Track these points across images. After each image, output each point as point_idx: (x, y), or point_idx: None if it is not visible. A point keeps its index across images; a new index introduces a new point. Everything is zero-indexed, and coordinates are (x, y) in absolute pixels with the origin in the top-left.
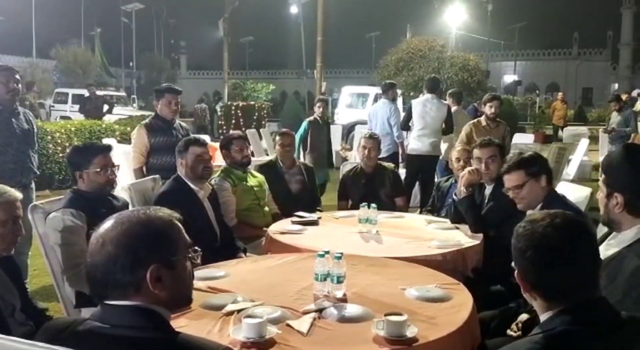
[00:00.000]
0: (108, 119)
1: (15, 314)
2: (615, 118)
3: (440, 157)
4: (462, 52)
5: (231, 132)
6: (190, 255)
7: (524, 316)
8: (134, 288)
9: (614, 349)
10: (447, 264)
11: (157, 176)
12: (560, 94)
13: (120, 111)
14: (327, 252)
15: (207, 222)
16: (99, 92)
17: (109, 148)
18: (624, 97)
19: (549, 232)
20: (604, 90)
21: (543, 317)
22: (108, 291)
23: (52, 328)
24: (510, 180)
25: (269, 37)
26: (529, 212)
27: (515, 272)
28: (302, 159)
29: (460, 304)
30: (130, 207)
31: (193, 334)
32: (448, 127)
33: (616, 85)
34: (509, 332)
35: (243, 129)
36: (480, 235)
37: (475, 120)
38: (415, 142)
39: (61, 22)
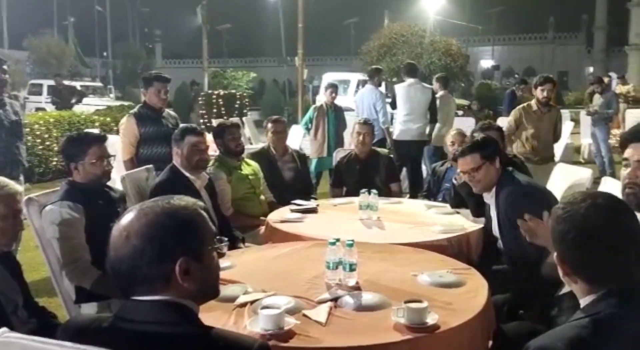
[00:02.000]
0: (86, 109)
1: (18, 312)
2: (597, 100)
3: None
4: (445, 37)
5: (225, 119)
6: (216, 246)
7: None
8: (162, 282)
9: None
10: (452, 248)
11: (151, 166)
12: (536, 78)
13: (97, 101)
14: (338, 240)
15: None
16: (75, 83)
17: (104, 138)
18: (605, 80)
19: (592, 213)
20: (579, 74)
21: (584, 301)
22: (135, 286)
23: (75, 326)
24: (465, 163)
25: (247, 24)
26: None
27: (555, 255)
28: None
29: (475, 289)
30: (126, 198)
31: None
32: (432, 114)
33: (591, 69)
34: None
35: (225, 117)
36: (482, 219)
37: (526, 104)
38: (402, 128)
39: (33, 12)
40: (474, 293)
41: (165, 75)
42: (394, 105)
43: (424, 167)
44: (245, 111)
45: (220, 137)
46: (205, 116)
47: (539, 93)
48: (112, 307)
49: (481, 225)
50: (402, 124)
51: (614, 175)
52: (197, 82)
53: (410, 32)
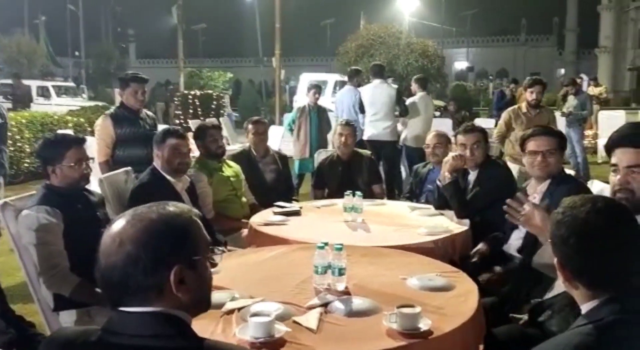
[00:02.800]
0: (59, 110)
1: None
2: (572, 101)
3: (402, 143)
4: (421, 39)
5: (206, 120)
6: (211, 255)
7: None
8: (156, 292)
9: None
10: (438, 250)
11: (129, 168)
12: (526, 80)
13: (70, 102)
14: (327, 244)
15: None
16: (47, 83)
17: (82, 140)
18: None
19: (592, 217)
20: (550, 76)
21: (586, 307)
22: (127, 296)
23: (59, 341)
24: (543, 143)
25: (222, 24)
26: (530, 189)
27: (555, 261)
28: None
29: (466, 293)
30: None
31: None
32: (402, 109)
33: (562, 70)
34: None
35: (202, 118)
36: (467, 220)
37: (516, 106)
38: (370, 129)
39: (3, 10)
40: (464, 297)
41: (142, 75)
42: (362, 108)
43: (402, 169)
44: (222, 111)
45: (201, 139)
46: (181, 117)
47: (529, 95)
48: (92, 314)
49: (466, 227)
50: (370, 125)
51: (588, 175)
52: (172, 82)
53: (388, 33)
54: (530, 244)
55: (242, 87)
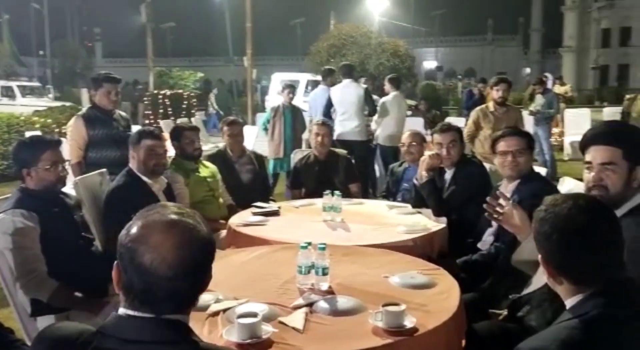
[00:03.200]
0: (25, 110)
1: None
2: (539, 100)
3: (376, 142)
4: (393, 39)
5: (182, 121)
6: None
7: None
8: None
9: None
10: (417, 248)
11: (104, 170)
12: (493, 79)
13: (36, 102)
14: (310, 244)
15: None
16: (11, 83)
17: (58, 142)
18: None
19: (574, 213)
20: (517, 75)
21: (570, 302)
22: (163, 303)
23: (54, 337)
24: (513, 144)
25: (191, 23)
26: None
27: (539, 257)
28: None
29: (447, 290)
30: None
31: None
32: (370, 109)
33: (528, 70)
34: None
35: (172, 118)
36: (444, 218)
37: (484, 105)
38: (340, 129)
39: None
40: (446, 294)
41: (115, 75)
42: (325, 111)
43: (376, 167)
44: (193, 111)
45: (177, 140)
46: (151, 117)
47: (495, 93)
48: (71, 318)
49: (443, 225)
50: (340, 124)
51: (555, 172)
52: (139, 82)
53: (359, 33)
54: (507, 240)
55: (212, 86)
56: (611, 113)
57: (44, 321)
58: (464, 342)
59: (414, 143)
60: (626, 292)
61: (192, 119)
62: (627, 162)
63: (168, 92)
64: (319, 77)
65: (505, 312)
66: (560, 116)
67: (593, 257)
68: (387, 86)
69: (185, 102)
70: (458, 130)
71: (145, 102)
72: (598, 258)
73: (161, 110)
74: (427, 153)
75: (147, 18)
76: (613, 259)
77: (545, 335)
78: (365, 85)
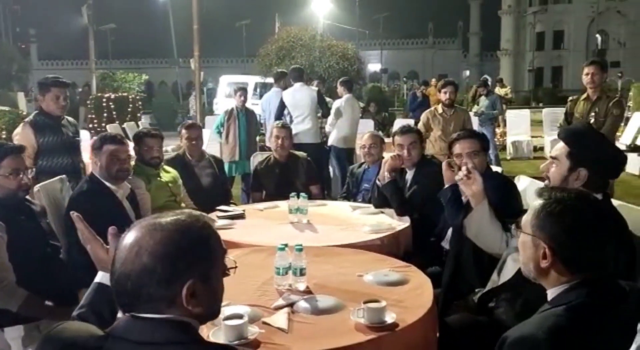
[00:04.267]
0: None
1: None
2: (483, 102)
3: (331, 144)
4: (341, 41)
5: (144, 128)
6: (224, 267)
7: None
8: (167, 302)
9: (624, 317)
10: (384, 247)
11: (64, 176)
12: (433, 80)
13: None
14: (287, 245)
15: (129, 224)
16: None
17: (20, 149)
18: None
19: (586, 207)
20: (457, 77)
21: (552, 292)
22: (137, 304)
23: (64, 341)
24: (468, 146)
25: (132, 25)
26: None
27: (543, 251)
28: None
29: (420, 286)
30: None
31: None
32: (324, 111)
33: (467, 72)
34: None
35: (117, 122)
36: (407, 217)
37: (433, 107)
38: (293, 131)
39: None
40: (420, 290)
41: (64, 79)
42: (278, 114)
43: (330, 169)
44: (139, 115)
45: (137, 145)
46: (95, 121)
47: (442, 96)
48: (42, 328)
49: (407, 224)
50: (293, 127)
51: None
52: (78, 85)
53: (308, 36)
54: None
55: (154, 89)
56: (549, 113)
57: (11, 332)
58: (437, 334)
59: (374, 144)
60: (605, 283)
61: (139, 123)
62: (569, 161)
63: (112, 96)
64: (268, 80)
65: (474, 305)
66: (501, 117)
67: (598, 249)
68: (340, 89)
69: (131, 106)
70: (418, 132)
71: (89, 106)
72: (600, 250)
73: (105, 114)
74: (388, 154)
75: (89, 19)
76: (609, 252)
77: (532, 323)
78: (317, 88)
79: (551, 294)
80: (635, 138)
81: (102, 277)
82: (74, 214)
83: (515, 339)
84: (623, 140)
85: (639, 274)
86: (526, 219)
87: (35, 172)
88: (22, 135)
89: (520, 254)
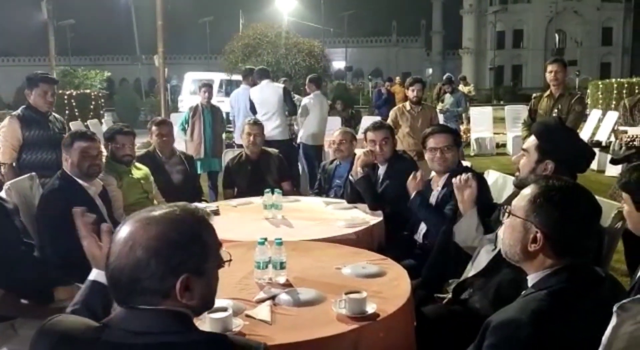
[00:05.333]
0: None
1: None
2: (448, 99)
3: (300, 141)
4: (308, 39)
5: (116, 125)
6: (219, 260)
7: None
8: (161, 296)
9: (601, 301)
10: (359, 241)
11: (34, 174)
12: (397, 77)
13: None
14: (266, 239)
15: (102, 221)
16: None
17: None
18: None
19: (584, 197)
20: (420, 75)
21: (534, 278)
22: (132, 297)
23: (58, 332)
24: (441, 141)
25: (92, 21)
26: (434, 182)
27: (534, 236)
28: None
29: (398, 278)
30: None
31: None
32: (290, 108)
33: (430, 70)
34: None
35: (79, 119)
36: (380, 212)
37: (401, 105)
38: None
39: None
40: (397, 281)
41: (52, 75)
42: (253, 110)
43: (300, 166)
44: (102, 112)
45: (110, 141)
46: None
47: (410, 93)
48: (16, 326)
49: (381, 218)
50: None
51: None
52: None
53: (274, 33)
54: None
55: (115, 86)
56: (511, 111)
57: None
58: (415, 324)
59: (344, 141)
60: (583, 269)
61: (103, 121)
62: (537, 153)
63: (74, 93)
64: (234, 77)
65: (449, 296)
66: (465, 114)
67: (590, 237)
68: (309, 86)
69: (93, 103)
70: (389, 128)
71: None
72: (590, 237)
73: (67, 112)
74: (360, 150)
75: (49, 15)
76: (595, 242)
77: (515, 307)
78: (283, 85)
79: (532, 278)
80: (593, 134)
81: (96, 274)
82: (76, 209)
83: (499, 322)
84: (582, 136)
85: (605, 261)
86: (518, 204)
87: (19, 166)
88: (8, 128)
89: (506, 236)
